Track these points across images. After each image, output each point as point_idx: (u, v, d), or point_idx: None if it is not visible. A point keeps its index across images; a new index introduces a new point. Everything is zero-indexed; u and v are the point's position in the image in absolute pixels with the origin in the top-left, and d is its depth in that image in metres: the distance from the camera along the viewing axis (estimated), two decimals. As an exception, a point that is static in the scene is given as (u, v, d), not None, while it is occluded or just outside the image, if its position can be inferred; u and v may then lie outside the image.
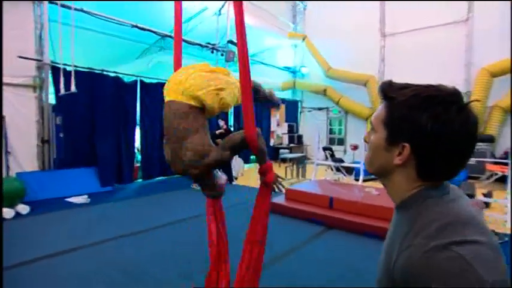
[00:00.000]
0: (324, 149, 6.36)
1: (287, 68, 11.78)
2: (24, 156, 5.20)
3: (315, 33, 11.08)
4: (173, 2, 1.99)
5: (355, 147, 9.36)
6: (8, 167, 4.96)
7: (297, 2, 11.65)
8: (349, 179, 6.38)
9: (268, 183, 1.79)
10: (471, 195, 4.66)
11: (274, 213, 4.53)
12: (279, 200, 4.75)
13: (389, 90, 0.70)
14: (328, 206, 4.31)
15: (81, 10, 5.53)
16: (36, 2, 5.06)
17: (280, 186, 1.85)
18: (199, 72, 1.77)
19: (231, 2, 1.80)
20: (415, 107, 0.64)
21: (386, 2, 9.77)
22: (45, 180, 5.23)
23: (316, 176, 6.14)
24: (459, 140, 0.62)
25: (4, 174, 4.82)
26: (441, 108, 0.62)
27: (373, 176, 6.40)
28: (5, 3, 4.74)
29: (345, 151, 10.73)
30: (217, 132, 6.09)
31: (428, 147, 0.63)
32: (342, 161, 6.20)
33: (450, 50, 8.72)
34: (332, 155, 6.32)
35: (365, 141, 0.79)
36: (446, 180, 0.69)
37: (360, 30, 10.05)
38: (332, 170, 6.46)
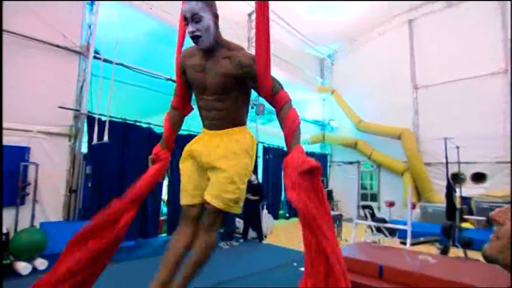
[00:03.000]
0: (364, 207, 5.83)
1: (316, 122, 11.69)
2: (51, 205, 5.07)
3: (344, 86, 11.13)
4: None
5: (391, 204, 8.64)
6: (33, 216, 4.80)
7: (325, 57, 11.95)
8: (391, 241, 5.70)
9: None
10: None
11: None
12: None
13: None
14: (378, 275, 3.69)
15: (121, 64, 5.79)
16: (81, 56, 5.35)
17: None
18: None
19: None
20: None
21: (416, 53, 9.75)
22: (68, 231, 4.90)
23: (356, 237, 5.53)
24: None
25: (28, 224, 4.66)
26: None
27: (422, 239, 5.72)
28: (53, 55, 5.06)
29: (379, 208, 9.95)
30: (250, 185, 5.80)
31: None
32: (384, 221, 5.60)
33: (488, 101, 8.27)
34: (372, 214, 5.75)
35: (494, 220, 0.65)
36: None
37: (391, 82, 9.95)
38: (372, 230, 5.83)
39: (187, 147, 1.94)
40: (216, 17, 1.66)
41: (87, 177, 5.38)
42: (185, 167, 1.90)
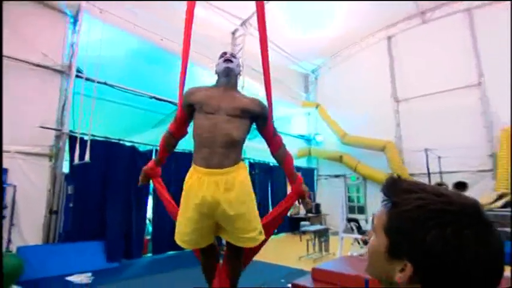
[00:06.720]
0: (349, 220, 5.85)
1: (301, 136, 11.80)
2: (29, 228, 4.89)
3: (328, 100, 11.33)
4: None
5: (378, 217, 8.68)
6: (9, 240, 4.61)
7: (309, 73, 12.18)
8: (378, 254, 5.71)
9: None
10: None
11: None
12: (304, 281, 4.14)
13: (392, 192, 0.60)
14: (364, 289, 3.68)
15: (104, 83, 5.77)
16: (64, 75, 5.31)
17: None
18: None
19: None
20: (419, 222, 0.53)
21: (396, 68, 10.06)
22: (47, 255, 4.80)
23: (343, 251, 5.51)
24: (475, 271, 0.50)
25: (4, 249, 4.46)
26: (451, 230, 0.50)
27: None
28: (34, 75, 5.00)
29: (366, 220, 9.99)
30: None
31: (436, 275, 0.51)
32: (370, 233, 5.62)
33: (466, 113, 8.55)
34: (358, 227, 5.77)
35: (363, 241, 0.66)
36: None
37: (373, 95, 10.18)
38: (359, 243, 5.84)
39: (191, 194, 1.86)
40: (240, 68, 2.07)
41: (68, 198, 5.23)
42: (196, 221, 1.88)
